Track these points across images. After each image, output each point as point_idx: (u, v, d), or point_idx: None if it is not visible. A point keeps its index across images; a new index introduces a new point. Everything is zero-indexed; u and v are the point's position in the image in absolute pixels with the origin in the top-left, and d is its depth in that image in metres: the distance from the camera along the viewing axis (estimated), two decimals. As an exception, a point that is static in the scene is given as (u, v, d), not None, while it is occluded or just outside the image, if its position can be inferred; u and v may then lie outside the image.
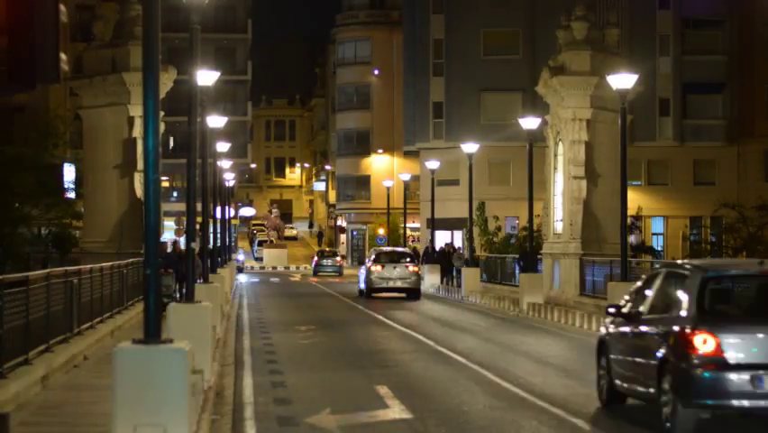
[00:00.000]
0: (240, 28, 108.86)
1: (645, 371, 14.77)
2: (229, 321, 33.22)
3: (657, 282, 15.59)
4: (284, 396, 17.91)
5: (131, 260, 31.87)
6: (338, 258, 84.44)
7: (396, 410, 16.38)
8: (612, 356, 16.15)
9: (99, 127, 39.61)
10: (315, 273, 78.45)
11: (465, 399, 17.64)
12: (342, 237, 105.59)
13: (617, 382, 15.91)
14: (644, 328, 15.24)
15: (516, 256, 49.14)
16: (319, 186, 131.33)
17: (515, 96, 71.81)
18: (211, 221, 42.22)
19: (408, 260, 48.65)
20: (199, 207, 31.24)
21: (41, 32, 7.73)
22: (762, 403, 13.65)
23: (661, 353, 14.24)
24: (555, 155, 40.82)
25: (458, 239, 71.36)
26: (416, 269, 48.37)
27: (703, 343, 13.61)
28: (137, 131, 37.84)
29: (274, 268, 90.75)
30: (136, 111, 37.84)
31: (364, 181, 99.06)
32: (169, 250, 37.49)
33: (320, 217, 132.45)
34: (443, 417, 15.85)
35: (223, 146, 53.33)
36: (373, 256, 49.21)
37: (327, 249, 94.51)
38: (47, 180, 45.18)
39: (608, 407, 16.31)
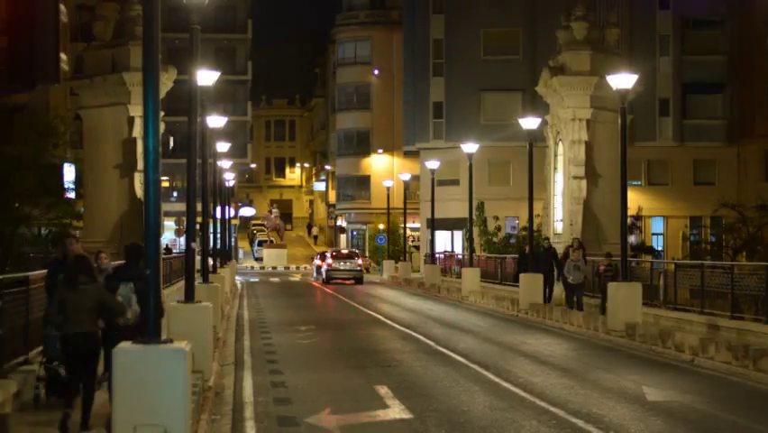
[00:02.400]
0: (240, 28, 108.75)
1: None
2: (229, 321, 33.22)
3: None
4: (284, 396, 17.90)
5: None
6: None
7: (396, 410, 16.37)
8: None
9: (99, 127, 39.62)
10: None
11: (465, 399, 17.64)
12: (342, 237, 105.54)
13: None
14: None
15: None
16: (319, 186, 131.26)
17: (515, 96, 71.81)
18: (211, 221, 42.20)
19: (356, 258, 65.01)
20: (199, 207, 31.24)
21: (40, 33, 7.72)
22: None
23: None
24: (555, 155, 40.84)
25: (458, 239, 71.32)
26: (361, 263, 65.70)
27: None
28: (137, 131, 37.85)
29: (274, 268, 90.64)
30: (136, 111, 37.87)
31: (364, 181, 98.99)
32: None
33: (320, 217, 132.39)
34: (443, 417, 15.84)
35: (223, 146, 53.22)
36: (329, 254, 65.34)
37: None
38: (47, 180, 45.13)
39: None
